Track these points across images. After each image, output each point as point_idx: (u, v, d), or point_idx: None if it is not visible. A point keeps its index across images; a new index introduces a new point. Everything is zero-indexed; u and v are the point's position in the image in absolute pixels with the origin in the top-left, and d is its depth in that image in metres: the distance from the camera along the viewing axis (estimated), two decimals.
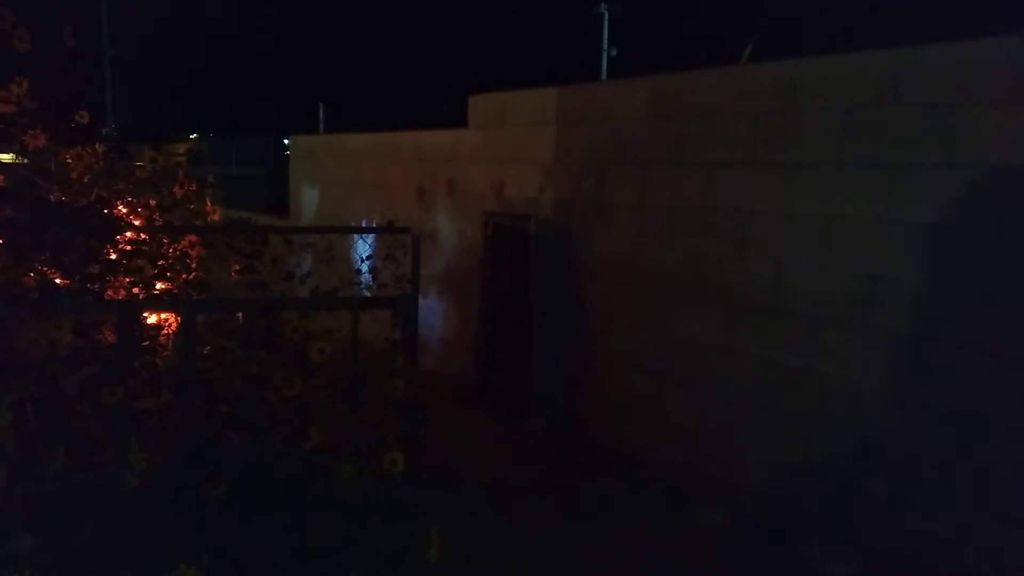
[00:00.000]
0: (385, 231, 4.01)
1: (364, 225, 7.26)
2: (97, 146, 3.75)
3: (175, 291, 3.34)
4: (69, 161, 3.64)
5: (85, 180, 3.59)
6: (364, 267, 4.73)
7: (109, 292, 3.17)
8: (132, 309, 2.97)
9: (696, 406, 4.29)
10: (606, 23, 13.46)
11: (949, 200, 3.12)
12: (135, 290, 3.23)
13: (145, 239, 3.38)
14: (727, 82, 4.13)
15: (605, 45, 13.32)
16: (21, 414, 2.39)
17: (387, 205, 6.91)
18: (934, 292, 3.18)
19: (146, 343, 3.07)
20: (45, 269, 3.11)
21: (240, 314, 3.01)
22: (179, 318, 2.92)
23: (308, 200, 9.03)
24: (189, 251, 3.52)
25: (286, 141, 13.83)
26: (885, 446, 3.37)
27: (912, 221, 3.25)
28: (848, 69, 3.53)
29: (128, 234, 3.35)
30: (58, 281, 3.09)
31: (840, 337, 3.54)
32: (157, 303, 3.29)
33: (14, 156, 3.79)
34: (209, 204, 4.07)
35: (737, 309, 4.04)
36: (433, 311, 6.55)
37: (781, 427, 3.83)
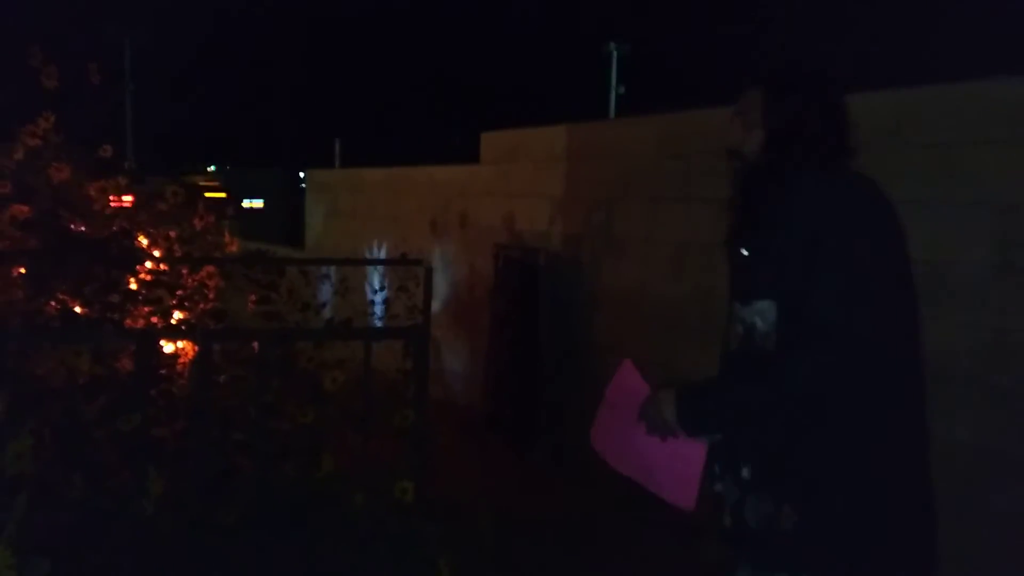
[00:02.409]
0: (399, 263, 4.07)
1: (378, 257, 7.35)
2: (119, 179, 3.85)
3: (193, 321, 3.40)
4: (92, 193, 3.73)
5: (107, 212, 3.68)
6: (377, 298, 4.79)
7: (128, 321, 3.24)
8: (150, 338, 3.04)
9: None
10: (615, 61, 13.66)
11: (951, 237, 3.16)
12: (153, 319, 3.30)
13: (165, 270, 3.45)
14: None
15: (613, 83, 13.49)
16: (40, 440, 2.44)
17: (400, 237, 7.00)
18: (935, 328, 3.20)
19: (163, 371, 3.13)
20: (66, 298, 3.19)
21: (256, 344, 3.07)
22: (196, 347, 2.99)
23: (324, 232, 9.14)
24: (207, 282, 3.59)
25: (301, 175, 14.02)
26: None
27: (913, 258, 3.29)
28: (852, 108, 3.60)
29: (148, 264, 3.43)
30: (79, 310, 3.17)
31: None
32: (175, 332, 3.35)
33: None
34: (227, 236, 4.15)
35: None
36: (444, 342, 6.59)
37: None
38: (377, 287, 5.20)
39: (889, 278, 1.62)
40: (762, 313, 1.60)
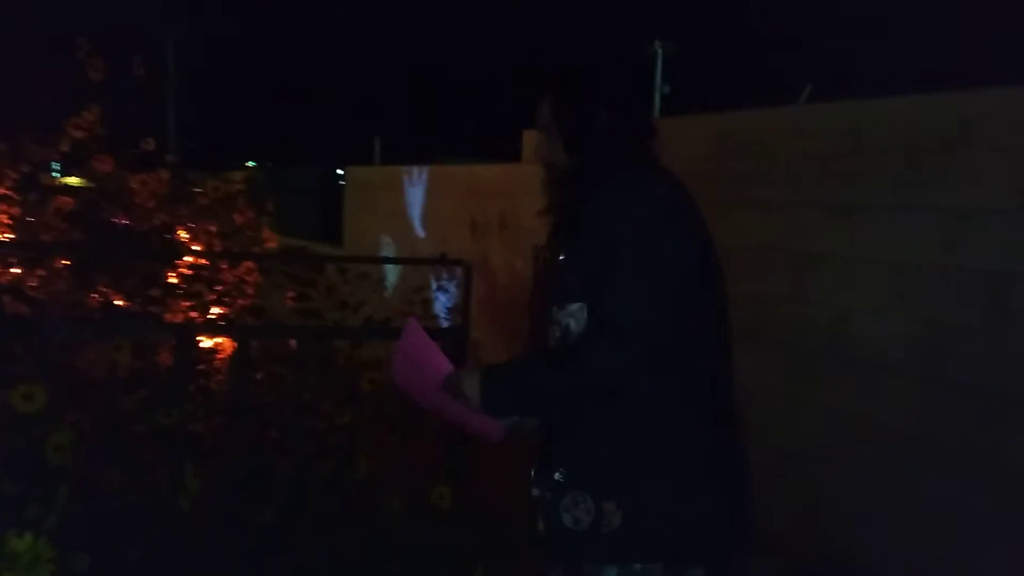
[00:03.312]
0: (438, 262, 4.03)
1: (417, 256, 7.33)
2: (161, 172, 3.86)
3: (231, 316, 3.39)
4: (134, 187, 3.75)
5: (149, 205, 3.69)
6: (416, 298, 4.74)
7: (168, 315, 3.24)
8: (189, 333, 3.03)
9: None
10: (659, 61, 13.49)
11: (1020, 246, 3.02)
12: (192, 314, 3.30)
13: (205, 264, 3.45)
14: (787, 122, 4.08)
15: (658, 82, 13.31)
16: (79, 433, 2.44)
17: (440, 236, 6.97)
18: (1001, 340, 3.06)
19: (201, 367, 3.12)
20: (108, 291, 3.20)
21: (293, 341, 3.04)
22: (234, 343, 2.97)
23: (362, 229, 9.16)
24: (246, 277, 3.58)
25: (339, 171, 14.10)
26: (935, 494, 3.24)
27: (980, 268, 3.15)
28: (913, 111, 3.46)
29: (188, 259, 3.43)
30: (120, 303, 3.17)
31: (898, 384, 3.43)
32: (214, 328, 3.34)
33: (82, 180, 3.92)
34: (266, 232, 4.14)
35: (794, 352, 3.95)
36: (482, 343, 6.54)
37: (836, 473, 3.71)
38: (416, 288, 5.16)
39: (688, 272, 1.66)
40: (575, 315, 1.64)
